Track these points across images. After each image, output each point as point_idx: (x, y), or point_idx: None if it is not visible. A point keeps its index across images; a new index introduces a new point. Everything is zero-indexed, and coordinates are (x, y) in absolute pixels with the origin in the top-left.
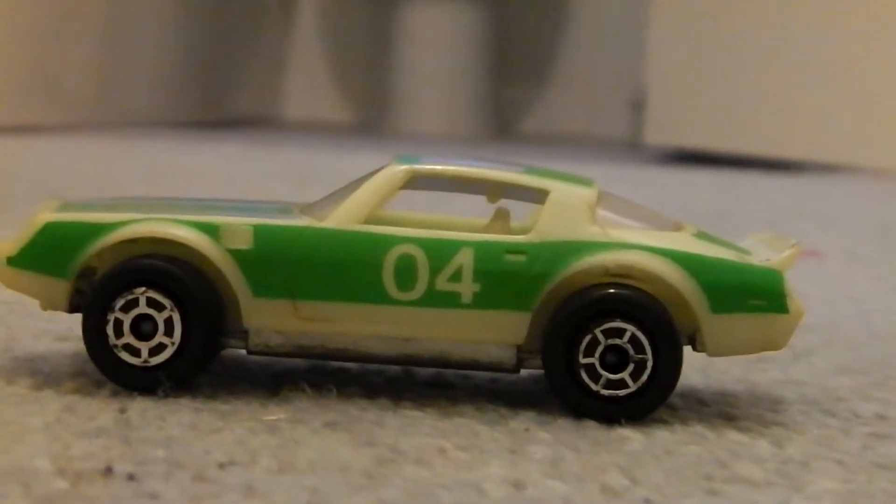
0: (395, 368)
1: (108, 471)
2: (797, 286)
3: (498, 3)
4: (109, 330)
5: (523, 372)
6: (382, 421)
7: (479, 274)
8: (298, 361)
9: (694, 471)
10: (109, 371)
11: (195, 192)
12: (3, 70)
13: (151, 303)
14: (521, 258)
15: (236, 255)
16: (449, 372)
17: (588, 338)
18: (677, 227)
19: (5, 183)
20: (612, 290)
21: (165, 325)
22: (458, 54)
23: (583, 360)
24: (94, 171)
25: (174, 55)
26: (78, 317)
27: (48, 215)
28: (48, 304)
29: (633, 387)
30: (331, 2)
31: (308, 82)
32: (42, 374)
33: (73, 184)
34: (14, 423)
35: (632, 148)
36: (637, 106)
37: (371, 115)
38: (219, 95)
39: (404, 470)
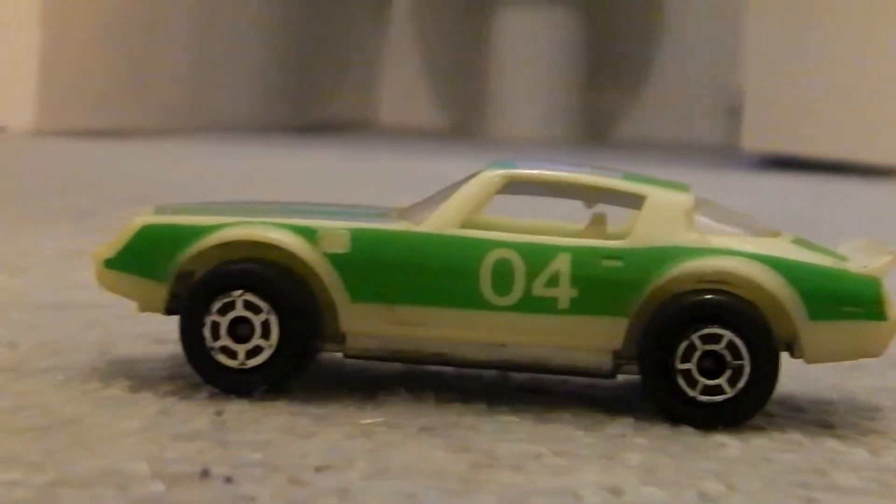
0: (491, 373)
1: (205, 474)
2: (895, 293)
3: (593, 7)
4: (206, 332)
5: (620, 378)
6: (478, 426)
7: (576, 279)
8: (395, 366)
9: (790, 478)
10: (206, 374)
11: (289, 196)
12: (97, 75)
13: (248, 306)
14: (618, 264)
15: (333, 258)
16: (545, 377)
17: (685, 344)
18: (774, 234)
19: (100, 187)
20: (709, 296)
21: (262, 327)
22: (552, 58)
23: (680, 366)
24: (187, 175)
25: (267, 59)
26: (175, 319)
27: (145, 218)
28: (145, 307)
29: (729, 393)
30: (425, 6)
31: (402, 87)
32: (139, 376)
33: (166, 188)
34: (111, 425)
35: (727, 153)
36: (732, 111)
37: (465, 119)
38: (312, 100)
39: (500, 476)
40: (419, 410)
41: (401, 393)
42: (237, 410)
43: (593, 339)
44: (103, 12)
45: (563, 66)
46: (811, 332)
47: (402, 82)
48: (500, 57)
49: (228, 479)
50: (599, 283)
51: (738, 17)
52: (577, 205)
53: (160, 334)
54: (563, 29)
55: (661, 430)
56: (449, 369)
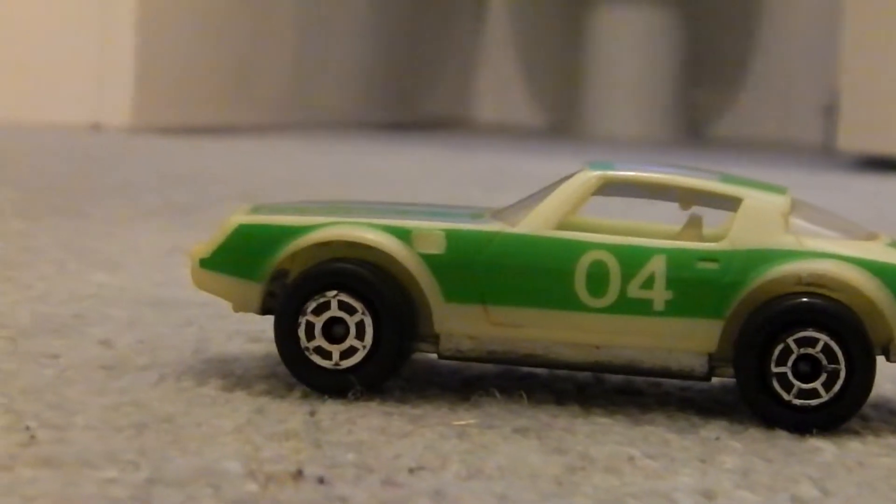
0: (585, 375)
1: (299, 474)
2: None
3: (691, 5)
4: (301, 332)
5: (714, 380)
6: (572, 428)
7: (671, 281)
8: (489, 366)
9: (887, 483)
10: (300, 373)
11: (386, 194)
12: (199, 71)
13: (343, 306)
14: (714, 266)
15: (428, 259)
16: (639, 379)
17: (780, 347)
18: (871, 237)
19: (198, 183)
20: (805, 300)
21: (357, 328)
22: (650, 57)
23: (775, 370)
24: (287, 171)
25: (367, 56)
26: (269, 319)
27: (241, 218)
28: (240, 306)
29: (825, 397)
30: (522, 3)
31: (499, 84)
32: (233, 375)
33: (266, 184)
34: (205, 424)
35: (824, 154)
36: (829, 111)
37: (562, 117)
38: (411, 97)
39: (594, 478)
40: (513, 412)
41: (495, 394)
42: (331, 411)
43: (688, 342)
44: (201, 7)
45: (662, 64)
46: None
47: (499, 79)
48: (598, 54)
49: (322, 480)
50: (695, 286)
51: (837, 15)
52: (671, 206)
53: (255, 334)
54: (661, 27)
55: (756, 434)
56: (543, 371)
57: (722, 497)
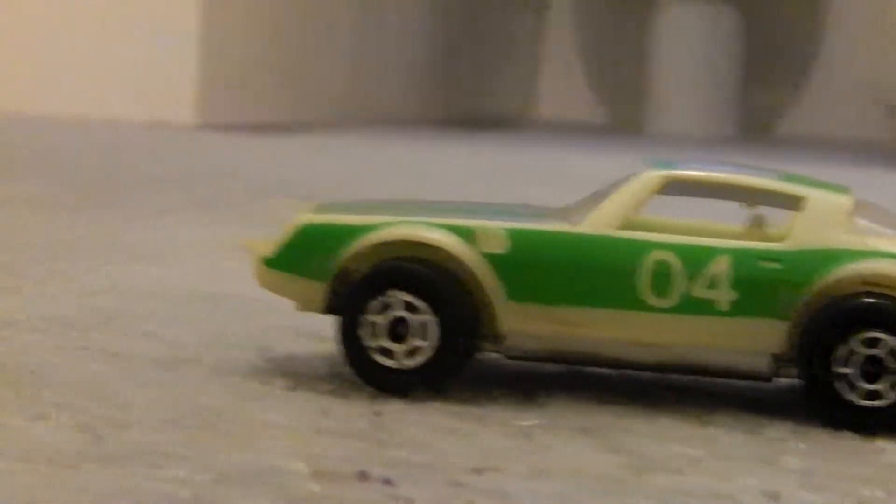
0: (650, 375)
1: (363, 474)
2: None
3: (752, 3)
4: (364, 332)
5: (778, 380)
6: (637, 428)
7: (735, 281)
8: (553, 366)
9: None
10: (364, 373)
11: (447, 191)
12: (258, 69)
13: (407, 306)
14: (777, 266)
15: (491, 258)
16: (704, 379)
17: (844, 347)
18: None
19: (259, 180)
20: (868, 300)
21: (420, 327)
22: (712, 55)
23: (839, 370)
24: (346, 168)
25: (426, 53)
26: (334, 318)
27: (305, 217)
28: (304, 306)
29: (890, 398)
30: (584, 1)
31: (561, 82)
32: (298, 375)
33: (325, 181)
34: (270, 424)
35: (887, 152)
36: (892, 109)
37: (623, 114)
38: (471, 93)
39: (657, 478)
40: (577, 412)
41: (559, 394)
42: (395, 411)
43: (752, 342)
44: (262, 6)
45: (723, 62)
46: None
47: (560, 76)
48: (660, 52)
49: (387, 481)
50: (759, 285)
51: None
52: (733, 205)
53: (319, 333)
54: (722, 24)
55: (821, 435)
56: (607, 370)
57: (786, 498)
